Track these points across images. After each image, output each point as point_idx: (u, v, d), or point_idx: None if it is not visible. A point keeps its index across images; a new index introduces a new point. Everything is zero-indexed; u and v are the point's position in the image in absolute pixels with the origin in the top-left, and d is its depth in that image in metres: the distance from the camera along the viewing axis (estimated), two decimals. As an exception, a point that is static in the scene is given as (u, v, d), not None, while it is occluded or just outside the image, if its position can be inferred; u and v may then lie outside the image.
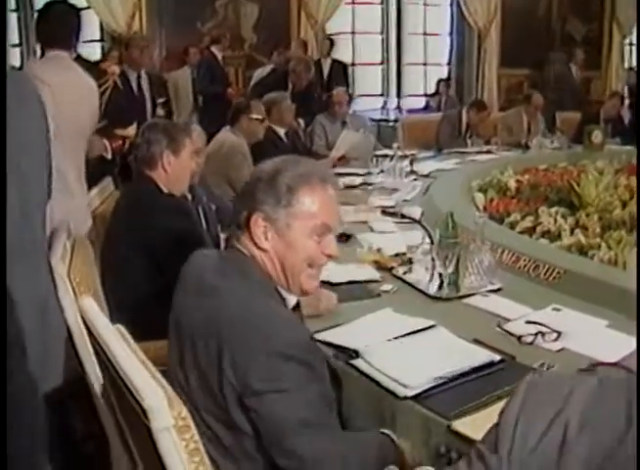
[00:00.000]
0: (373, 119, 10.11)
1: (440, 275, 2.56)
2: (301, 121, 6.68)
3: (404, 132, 7.45)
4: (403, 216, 3.00)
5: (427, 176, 5.10)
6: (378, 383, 1.89)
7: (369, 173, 5.17)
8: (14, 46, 8.66)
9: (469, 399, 1.79)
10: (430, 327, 2.21)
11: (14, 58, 8.39)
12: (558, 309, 2.47)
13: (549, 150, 6.62)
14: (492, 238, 2.96)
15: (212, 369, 1.61)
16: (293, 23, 9.77)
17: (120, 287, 2.59)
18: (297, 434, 1.57)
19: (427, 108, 10.36)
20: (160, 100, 5.75)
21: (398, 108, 10.94)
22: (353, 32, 10.72)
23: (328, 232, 1.81)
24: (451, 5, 11.12)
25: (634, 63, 11.56)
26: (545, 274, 2.78)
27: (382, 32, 10.95)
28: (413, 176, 5.05)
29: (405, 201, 4.26)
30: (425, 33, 11.25)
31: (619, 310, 2.42)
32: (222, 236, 3.60)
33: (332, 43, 9.34)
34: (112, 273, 2.65)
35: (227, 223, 3.75)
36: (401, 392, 1.82)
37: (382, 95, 11.00)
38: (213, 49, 8.69)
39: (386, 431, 1.76)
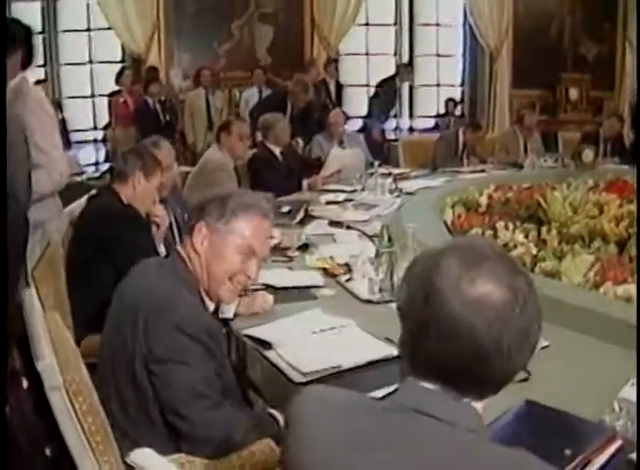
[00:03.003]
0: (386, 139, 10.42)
1: (371, 281, 2.83)
2: (300, 141, 6.96)
3: (405, 151, 7.70)
4: (349, 227, 3.28)
5: (412, 194, 5.33)
6: (281, 371, 2.16)
7: (355, 190, 5.43)
8: (39, 66, 9.06)
9: (358, 388, 2.02)
10: (345, 325, 2.48)
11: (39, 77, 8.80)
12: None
13: (543, 169, 6.81)
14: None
15: (130, 337, 1.94)
16: (306, 44, 10.13)
17: (82, 284, 2.93)
18: (190, 402, 1.88)
19: (436, 128, 10.58)
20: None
21: (411, 128, 11.20)
22: (367, 54, 11.04)
23: (253, 255, 2.12)
24: (464, 26, 11.37)
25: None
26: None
27: (395, 54, 11.22)
28: (396, 193, 5.29)
29: (379, 216, 4.50)
30: (438, 55, 11.50)
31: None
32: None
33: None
34: (75, 273, 2.98)
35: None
36: (296, 378, 2.10)
37: (395, 116, 11.23)
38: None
39: (272, 411, 2.06)
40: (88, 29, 9.55)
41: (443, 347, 1.20)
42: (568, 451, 1.66)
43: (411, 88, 11.20)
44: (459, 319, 1.19)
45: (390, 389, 1.76)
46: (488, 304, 1.19)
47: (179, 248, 2.17)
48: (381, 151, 8.79)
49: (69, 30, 9.41)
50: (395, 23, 11.14)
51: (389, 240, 2.91)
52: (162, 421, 1.92)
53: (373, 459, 1.20)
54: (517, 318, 1.21)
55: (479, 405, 1.27)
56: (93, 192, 3.62)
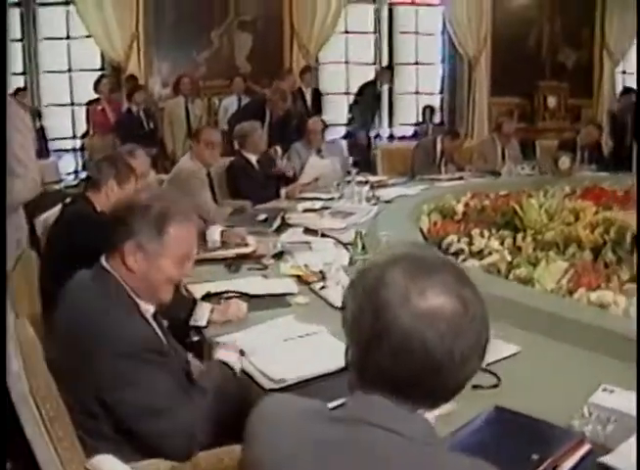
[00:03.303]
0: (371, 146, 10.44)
1: (344, 288, 2.82)
2: (279, 149, 6.95)
3: (383, 159, 7.73)
4: (324, 235, 3.29)
5: (389, 201, 5.36)
6: (252, 378, 2.17)
7: (332, 198, 5.44)
8: (18, 74, 9.05)
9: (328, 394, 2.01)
10: (317, 332, 2.49)
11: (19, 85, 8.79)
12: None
13: (520, 176, 6.85)
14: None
15: (74, 367, 1.91)
16: (285, 52, 10.13)
17: (54, 290, 2.91)
18: (147, 419, 1.89)
19: (415, 136, 10.61)
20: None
21: (391, 136, 11.23)
22: (347, 62, 11.06)
23: (188, 259, 2.13)
24: (443, 34, 11.44)
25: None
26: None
27: (374, 62, 11.25)
28: (373, 201, 5.30)
29: (356, 224, 4.50)
30: (417, 63, 11.55)
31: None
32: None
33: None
34: (47, 279, 2.97)
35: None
36: (267, 385, 2.11)
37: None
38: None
39: (219, 359, 2.18)
40: (68, 37, 9.52)
41: (395, 360, 1.19)
42: (535, 456, 1.67)
43: (390, 96, 11.23)
44: (410, 332, 1.18)
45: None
46: (439, 316, 1.19)
47: (104, 263, 2.10)
48: (362, 156, 8.83)
49: (49, 38, 9.37)
50: (375, 32, 11.18)
51: (363, 248, 2.93)
52: (122, 438, 1.91)
53: (330, 466, 1.21)
54: (467, 328, 1.21)
55: (431, 415, 1.28)
56: (67, 200, 3.62)
